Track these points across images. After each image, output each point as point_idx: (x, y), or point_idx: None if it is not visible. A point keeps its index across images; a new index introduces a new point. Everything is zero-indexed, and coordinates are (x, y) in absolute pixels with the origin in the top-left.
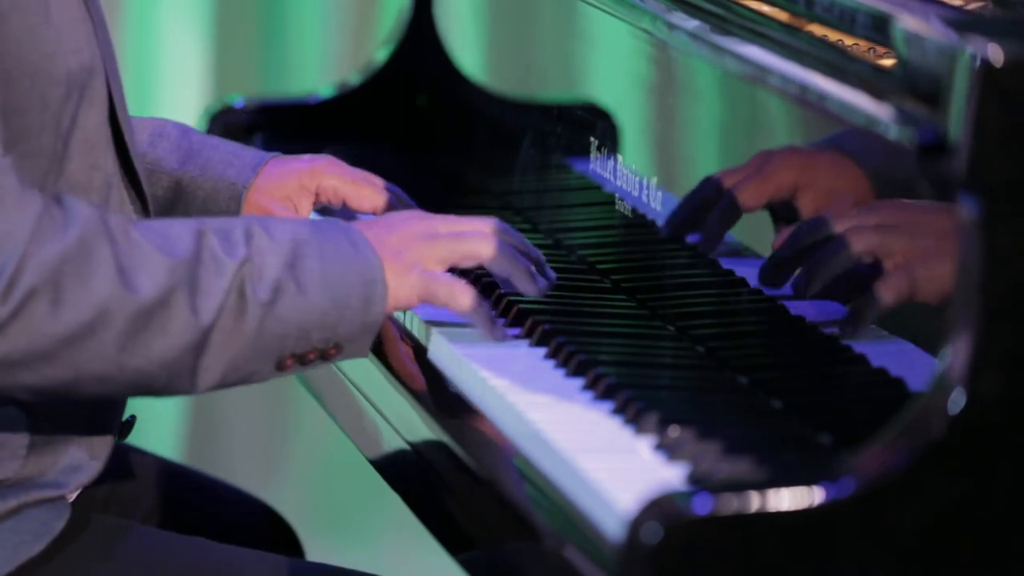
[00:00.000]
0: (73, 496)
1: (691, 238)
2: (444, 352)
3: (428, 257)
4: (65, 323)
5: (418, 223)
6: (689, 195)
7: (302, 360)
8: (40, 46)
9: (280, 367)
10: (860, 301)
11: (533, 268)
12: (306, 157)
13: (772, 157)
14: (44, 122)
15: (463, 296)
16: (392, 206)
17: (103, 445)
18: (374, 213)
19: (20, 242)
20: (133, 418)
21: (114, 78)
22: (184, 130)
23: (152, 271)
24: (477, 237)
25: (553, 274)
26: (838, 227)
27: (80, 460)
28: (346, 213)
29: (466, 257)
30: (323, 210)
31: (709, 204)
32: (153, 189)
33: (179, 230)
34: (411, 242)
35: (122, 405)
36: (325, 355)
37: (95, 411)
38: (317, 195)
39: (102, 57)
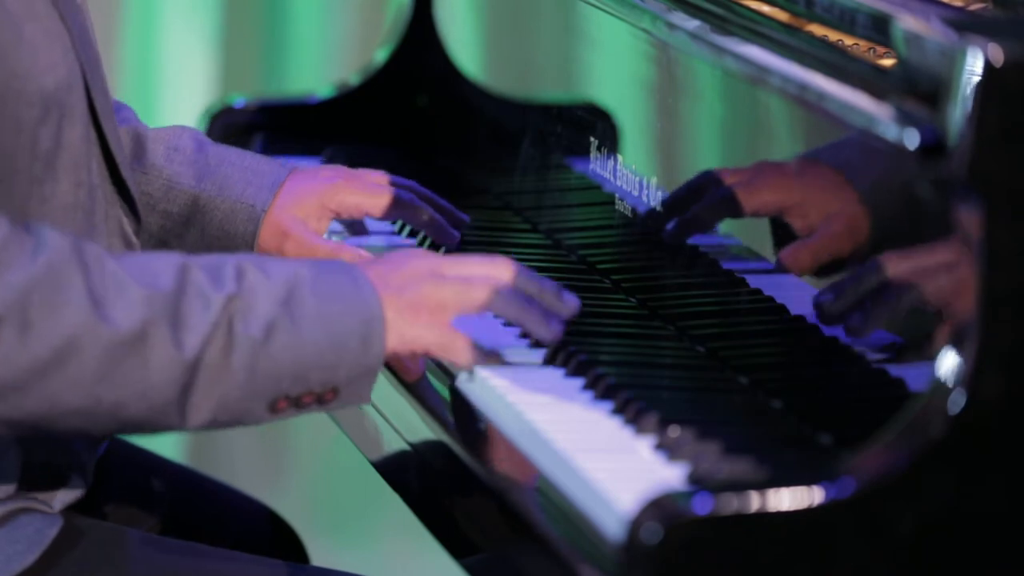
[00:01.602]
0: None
1: (669, 226)
2: None
3: (432, 299)
4: (34, 352)
5: (422, 262)
6: (683, 187)
7: (297, 403)
8: (12, 66)
9: (273, 409)
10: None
11: (545, 310)
12: (323, 173)
13: (766, 170)
14: (19, 144)
15: (464, 353)
16: (411, 211)
17: (90, 458)
18: (393, 222)
19: None
20: None
21: (97, 88)
22: (200, 142)
23: (128, 302)
24: (485, 284)
25: (574, 299)
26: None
27: (68, 474)
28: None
29: (473, 306)
30: (349, 225)
31: (698, 197)
32: (168, 206)
33: (161, 264)
34: (415, 283)
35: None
36: (322, 399)
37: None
38: (337, 212)
39: (81, 69)
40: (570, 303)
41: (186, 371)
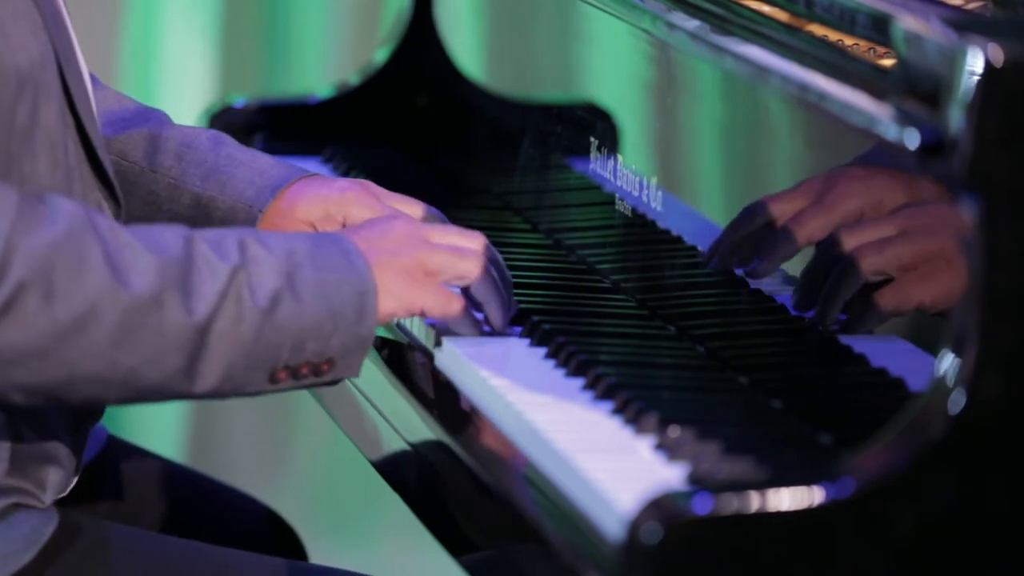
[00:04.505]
0: (51, 500)
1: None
2: (445, 353)
3: (427, 264)
4: (58, 318)
5: (409, 227)
6: (736, 224)
7: (295, 374)
8: None
9: (273, 379)
10: (861, 304)
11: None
12: (338, 183)
13: (834, 184)
14: None
15: (460, 314)
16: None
17: (80, 445)
18: None
19: (0, 231)
20: (101, 408)
21: (71, 71)
22: (217, 142)
23: (143, 270)
24: (475, 258)
25: (515, 303)
26: (847, 246)
27: (59, 463)
28: None
29: (460, 276)
30: None
31: (763, 234)
32: (174, 206)
33: (169, 234)
34: (404, 248)
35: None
36: (318, 370)
37: (75, 418)
38: (343, 224)
39: (55, 50)
40: (513, 303)
41: (196, 337)
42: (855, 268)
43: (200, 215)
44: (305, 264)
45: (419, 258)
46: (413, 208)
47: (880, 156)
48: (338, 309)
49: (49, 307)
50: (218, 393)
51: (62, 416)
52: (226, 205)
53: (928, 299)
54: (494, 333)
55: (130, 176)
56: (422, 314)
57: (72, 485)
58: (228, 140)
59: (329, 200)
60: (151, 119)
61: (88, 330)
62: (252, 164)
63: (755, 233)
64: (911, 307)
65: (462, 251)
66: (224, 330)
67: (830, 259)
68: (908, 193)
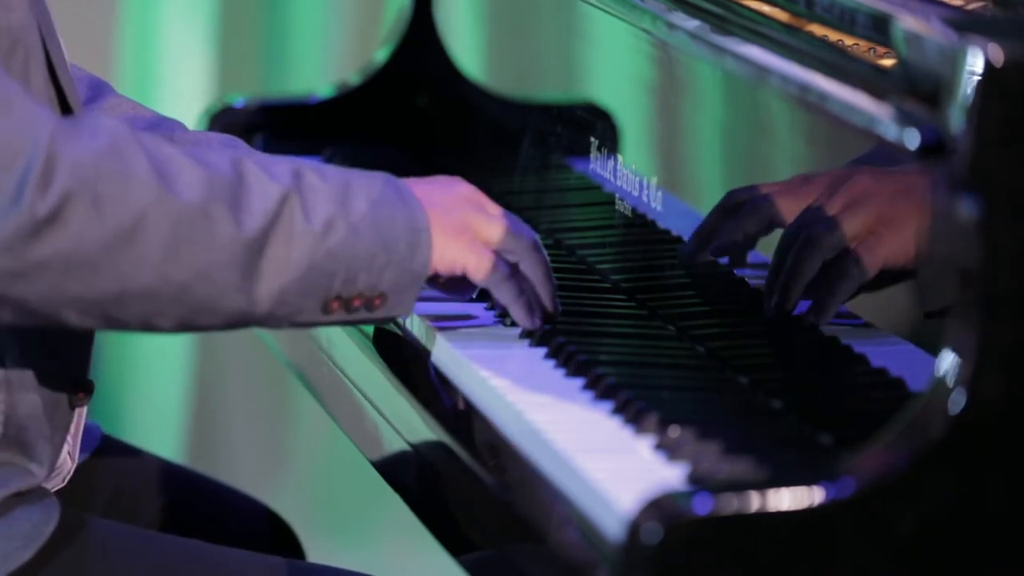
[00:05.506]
0: (51, 484)
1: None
2: (445, 352)
3: (480, 228)
4: (107, 227)
5: (469, 190)
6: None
7: (347, 306)
8: None
9: (326, 309)
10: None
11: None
12: None
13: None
14: None
15: (498, 271)
16: None
17: (65, 412)
18: None
19: (41, 140)
20: (92, 383)
21: (52, 41)
22: (229, 146)
23: (190, 182)
24: (525, 237)
25: (559, 304)
26: (802, 229)
27: (46, 435)
28: None
29: (516, 249)
30: None
31: (745, 224)
32: None
33: (215, 155)
34: (462, 207)
35: (85, 366)
36: (370, 304)
37: (58, 370)
38: None
39: (36, 18)
40: (556, 304)
41: (248, 254)
42: (811, 247)
43: None
44: (360, 196)
45: (472, 220)
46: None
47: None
48: (391, 243)
49: (98, 216)
50: (273, 318)
51: (49, 386)
52: None
53: (889, 258)
54: (533, 320)
55: None
56: (463, 273)
57: (68, 474)
58: (240, 143)
59: None
60: (164, 127)
61: (138, 240)
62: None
63: (726, 223)
64: (872, 271)
65: (516, 229)
66: (277, 250)
67: (786, 246)
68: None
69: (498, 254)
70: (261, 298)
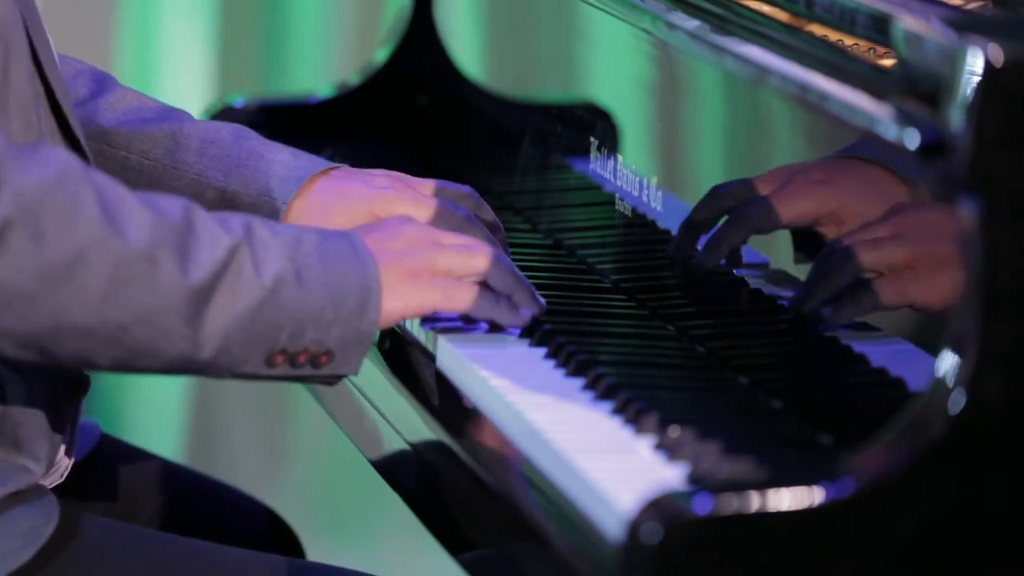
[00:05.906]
0: (48, 480)
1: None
2: (445, 352)
3: (436, 264)
4: (46, 260)
5: (420, 230)
6: (702, 206)
7: (292, 361)
8: None
9: (270, 363)
10: (856, 296)
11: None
12: (374, 180)
13: (799, 175)
14: None
15: (466, 295)
16: (463, 229)
17: (61, 408)
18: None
19: None
20: (88, 379)
21: (39, 37)
22: (239, 136)
23: (138, 224)
24: (486, 252)
25: (542, 301)
26: (845, 243)
27: (45, 433)
28: None
29: (475, 271)
30: None
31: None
32: (199, 202)
33: (166, 201)
34: (414, 248)
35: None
36: (316, 361)
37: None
38: None
39: (20, 12)
40: (538, 300)
41: (192, 299)
42: (850, 261)
43: (225, 210)
44: (312, 252)
45: (427, 259)
46: (447, 191)
47: (868, 149)
48: (341, 299)
49: (38, 249)
50: (214, 367)
51: (44, 382)
52: (251, 199)
53: (921, 298)
54: (515, 322)
55: (152, 174)
56: (433, 311)
57: (66, 471)
58: (251, 133)
59: (373, 199)
60: (172, 117)
61: (77, 277)
62: (275, 156)
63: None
64: (903, 303)
65: (472, 247)
66: (223, 299)
67: (825, 253)
68: (905, 193)
69: (463, 280)
70: (204, 346)
